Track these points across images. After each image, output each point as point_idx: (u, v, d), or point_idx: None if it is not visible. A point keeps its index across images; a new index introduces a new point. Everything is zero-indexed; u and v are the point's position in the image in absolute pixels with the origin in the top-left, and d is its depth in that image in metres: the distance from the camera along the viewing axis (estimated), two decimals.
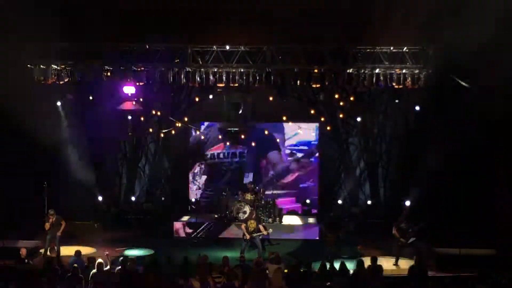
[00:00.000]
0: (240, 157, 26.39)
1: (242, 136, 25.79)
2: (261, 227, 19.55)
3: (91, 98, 22.68)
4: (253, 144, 25.94)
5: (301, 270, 14.87)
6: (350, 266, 15.59)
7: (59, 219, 19.30)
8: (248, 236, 19.15)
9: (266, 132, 25.81)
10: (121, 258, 15.82)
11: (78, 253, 16.32)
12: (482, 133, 19.75)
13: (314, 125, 25.68)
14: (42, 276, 13.85)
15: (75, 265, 14.82)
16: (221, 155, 26.48)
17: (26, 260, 16.85)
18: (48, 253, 17.61)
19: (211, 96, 22.39)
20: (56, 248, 18.29)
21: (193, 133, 26.15)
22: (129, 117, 24.52)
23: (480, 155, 20.50)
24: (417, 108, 21.69)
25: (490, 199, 20.43)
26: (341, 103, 23.21)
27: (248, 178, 25.98)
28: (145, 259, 16.73)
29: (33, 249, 18.78)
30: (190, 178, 26.44)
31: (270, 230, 19.83)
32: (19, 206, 21.41)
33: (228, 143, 26.11)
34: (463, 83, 19.04)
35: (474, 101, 18.53)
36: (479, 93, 18.42)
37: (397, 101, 21.69)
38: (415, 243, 18.55)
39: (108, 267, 15.11)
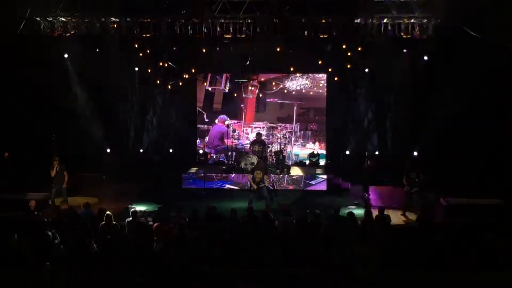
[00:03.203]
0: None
1: (250, 88, 25.85)
2: (266, 177, 19.66)
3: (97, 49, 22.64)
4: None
5: (309, 221, 14.95)
6: (358, 216, 15.64)
7: (62, 169, 19.46)
8: (255, 187, 19.26)
9: None
10: (131, 210, 15.86)
11: (87, 204, 16.38)
12: (492, 83, 19.67)
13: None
14: (52, 228, 13.93)
15: (85, 216, 14.94)
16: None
17: (35, 212, 16.94)
18: (60, 205, 17.67)
19: (218, 48, 22.29)
20: (66, 200, 18.40)
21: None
22: (136, 69, 24.51)
23: (490, 105, 20.45)
24: (425, 58, 21.61)
25: (498, 149, 20.42)
26: (349, 54, 23.05)
27: None
28: (154, 211, 16.79)
29: (42, 201, 18.88)
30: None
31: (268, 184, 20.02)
32: (27, 158, 21.50)
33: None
34: (473, 33, 18.90)
35: (484, 51, 18.41)
36: (489, 43, 18.30)
37: (404, 50, 21.62)
38: (421, 193, 18.63)
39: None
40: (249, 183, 19.90)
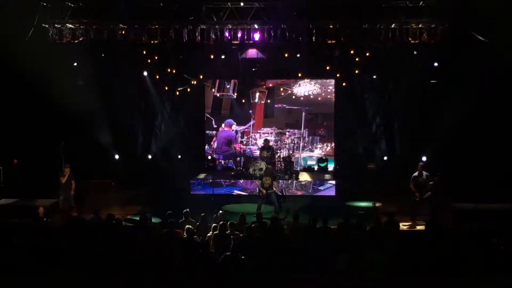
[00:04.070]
0: None
1: (258, 94, 25.89)
2: (275, 183, 19.65)
3: (103, 55, 22.73)
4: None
5: (318, 226, 14.92)
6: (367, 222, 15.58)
7: (71, 177, 19.52)
8: (264, 192, 19.23)
9: None
10: (140, 216, 15.85)
11: (96, 210, 16.37)
12: (502, 87, 19.63)
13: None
14: (61, 234, 13.94)
15: (94, 223, 14.94)
16: None
17: (44, 219, 16.95)
18: (69, 211, 17.66)
19: (223, 55, 22.35)
20: (75, 207, 18.40)
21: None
22: (145, 73, 24.52)
23: (500, 109, 20.42)
24: (436, 64, 21.60)
25: (508, 153, 20.38)
26: (357, 59, 23.02)
27: None
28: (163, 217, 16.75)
29: (50, 208, 18.90)
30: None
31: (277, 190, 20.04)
32: (36, 165, 21.55)
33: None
34: (481, 38, 18.86)
35: (492, 55, 18.37)
36: (498, 46, 18.26)
37: (415, 52, 21.57)
38: (431, 198, 18.56)
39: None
40: (257, 188, 19.89)
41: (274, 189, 19.59)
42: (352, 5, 19.50)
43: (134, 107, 25.81)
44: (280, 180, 22.10)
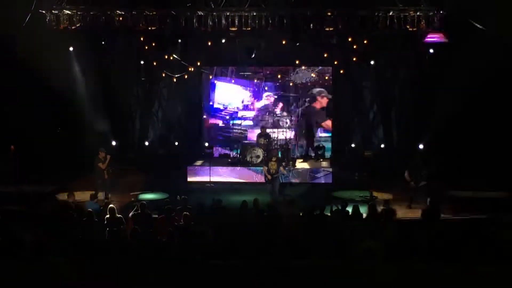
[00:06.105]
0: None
1: (255, 80, 25.88)
2: (281, 168, 19.66)
3: (103, 43, 22.70)
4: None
5: (315, 214, 14.92)
6: (363, 210, 15.59)
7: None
8: (269, 177, 19.27)
9: None
10: (138, 203, 15.85)
11: (93, 196, 16.34)
12: (498, 75, 19.62)
13: None
14: (58, 220, 13.92)
15: (90, 209, 14.94)
16: None
17: (39, 205, 16.88)
18: (66, 197, 17.62)
19: (223, 41, 22.30)
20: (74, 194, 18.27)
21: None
22: (142, 62, 24.52)
23: (496, 97, 20.41)
24: (431, 50, 21.55)
25: (504, 141, 20.39)
26: (355, 47, 22.98)
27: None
28: (159, 203, 16.73)
29: (47, 194, 18.87)
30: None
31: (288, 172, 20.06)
32: (34, 151, 21.55)
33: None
34: (478, 26, 18.84)
35: (490, 43, 18.37)
36: (495, 34, 18.26)
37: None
38: (427, 186, 18.57)
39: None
40: (264, 175, 19.91)
41: (283, 171, 19.57)
42: None
43: (131, 93, 25.78)
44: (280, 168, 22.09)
